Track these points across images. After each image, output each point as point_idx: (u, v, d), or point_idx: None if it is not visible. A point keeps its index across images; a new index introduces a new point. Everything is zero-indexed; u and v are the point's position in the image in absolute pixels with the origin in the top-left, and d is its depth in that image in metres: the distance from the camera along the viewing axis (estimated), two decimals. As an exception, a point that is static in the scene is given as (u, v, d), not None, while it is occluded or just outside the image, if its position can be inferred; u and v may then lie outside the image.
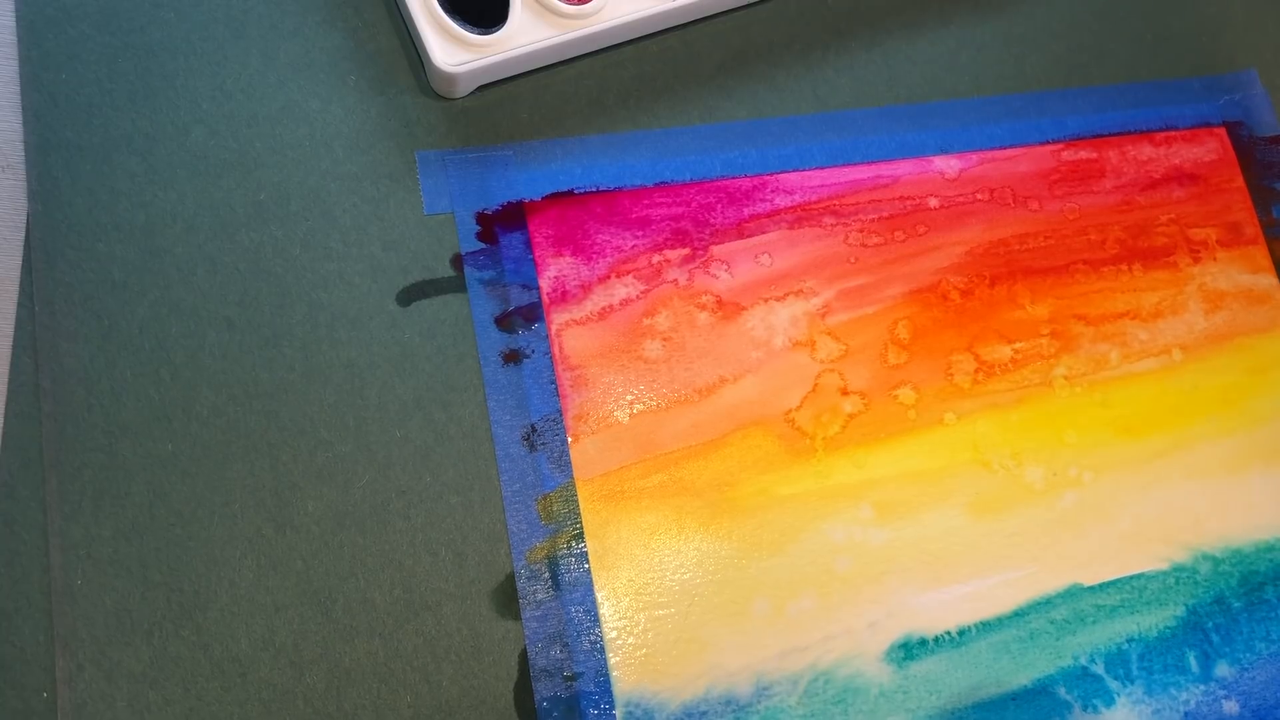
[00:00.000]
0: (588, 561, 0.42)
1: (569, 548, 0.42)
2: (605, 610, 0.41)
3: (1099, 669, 0.44)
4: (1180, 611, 0.45)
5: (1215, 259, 0.51)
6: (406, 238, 0.44)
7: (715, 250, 0.46)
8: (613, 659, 0.41)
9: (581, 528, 0.42)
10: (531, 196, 0.46)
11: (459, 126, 0.46)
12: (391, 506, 0.41)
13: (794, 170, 0.48)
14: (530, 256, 0.45)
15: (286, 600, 0.40)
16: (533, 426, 0.43)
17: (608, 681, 0.40)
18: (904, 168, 0.49)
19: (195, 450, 0.41)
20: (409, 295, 0.44)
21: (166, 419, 0.41)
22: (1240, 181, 0.52)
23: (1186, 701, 0.44)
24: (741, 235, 0.47)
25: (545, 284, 0.45)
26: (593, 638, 0.41)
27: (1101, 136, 0.52)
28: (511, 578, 0.41)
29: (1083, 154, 0.51)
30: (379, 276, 0.44)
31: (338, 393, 0.42)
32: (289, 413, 0.42)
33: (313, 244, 0.44)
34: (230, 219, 0.44)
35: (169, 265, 0.43)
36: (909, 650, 0.43)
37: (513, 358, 0.43)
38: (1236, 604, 0.46)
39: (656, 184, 0.47)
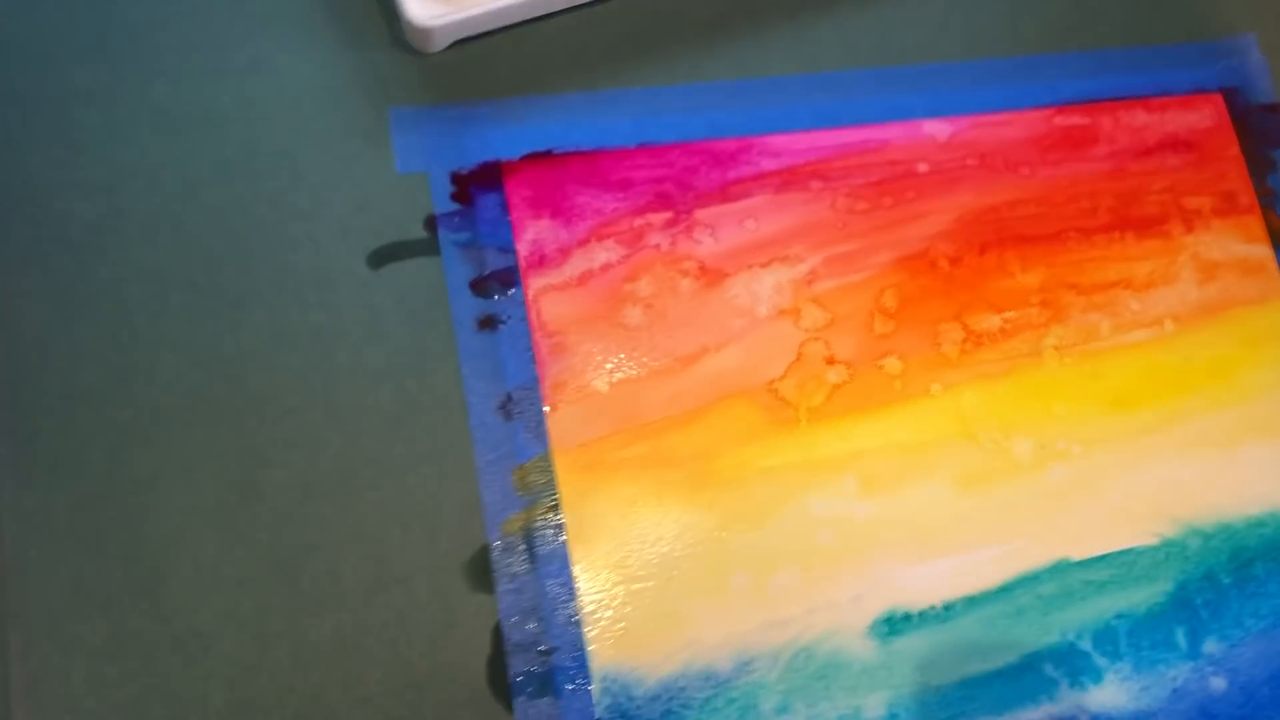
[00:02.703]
0: (564, 534, 0.40)
1: (545, 520, 0.40)
2: (582, 584, 0.40)
3: (1086, 645, 0.43)
4: (1169, 587, 0.44)
5: (1209, 228, 0.49)
6: (378, 198, 0.43)
7: (699, 214, 0.45)
8: (589, 633, 0.40)
9: (558, 499, 0.41)
10: (509, 156, 0.44)
11: (434, 82, 0.45)
12: (361, 476, 0.40)
13: (780, 132, 0.47)
14: (507, 218, 0.43)
15: (251, 573, 0.38)
16: (508, 395, 0.41)
17: (584, 656, 0.39)
18: (893, 131, 0.48)
19: (156, 417, 0.39)
20: (380, 257, 0.42)
21: (126, 384, 0.39)
22: (1236, 150, 0.51)
23: (1174, 679, 0.43)
24: (726, 199, 0.45)
25: (522, 247, 0.43)
26: (569, 612, 0.40)
27: (1095, 102, 0.50)
28: (485, 550, 0.40)
29: (1076, 120, 0.50)
30: (349, 238, 0.42)
31: (305, 358, 0.41)
32: (255, 378, 0.40)
33: (281, 204, 0.42)
34: (195, 177, 0.42)
35: (130, 224, 0.41)
36: (893, 625, 0.42)
37: (488, 324, 0.42)
38: (1226, 580, 0.45)
39: (639, 145, 0.45)
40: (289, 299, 0.41)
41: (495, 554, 0.40)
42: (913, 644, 0.42)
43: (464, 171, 0.44)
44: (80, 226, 0.41)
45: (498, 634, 0.39)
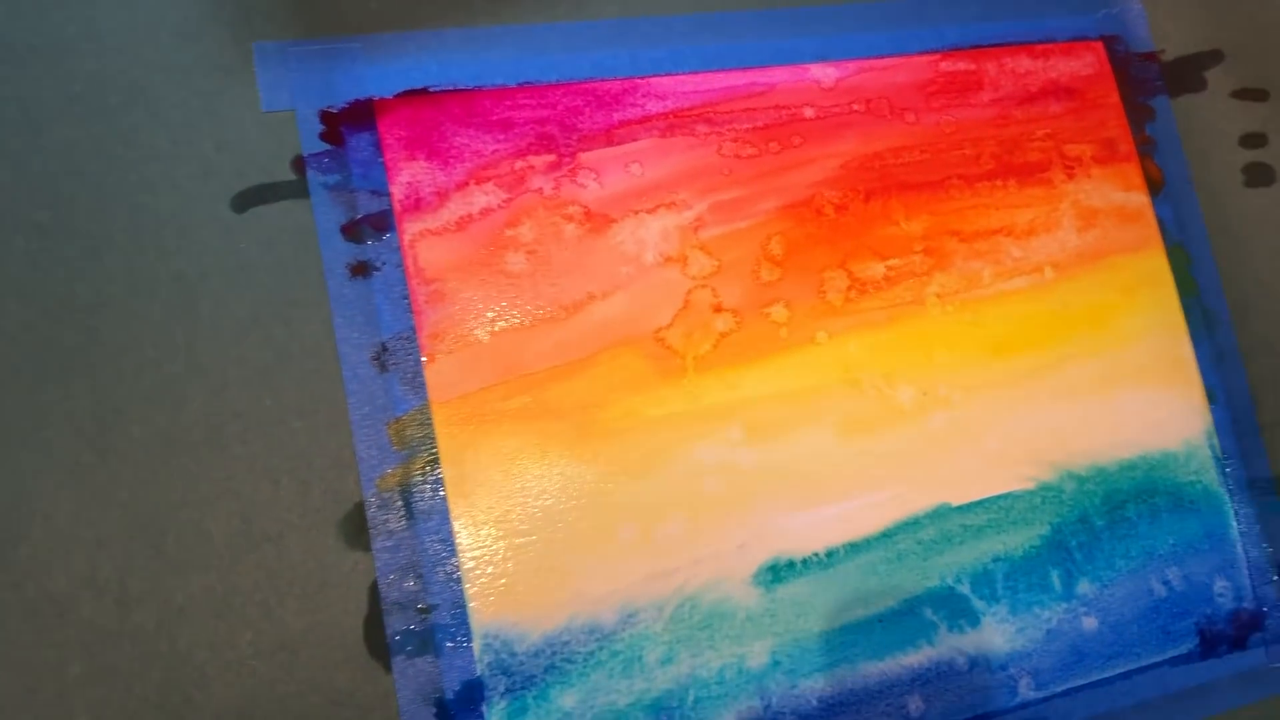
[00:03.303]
0: (444, 488, 0.39)
1: (423, 474, 0.39)
2: (462, 539, 0.39)
3: (965, 589, 0.44)
4: (1045, 530, 0.45)
5: (1089, 176, 0.50)
6: (242, 137, 0.40)
7: (583, 157, 0.44)
8: (470, 590, 0.39)
9: (437, 453, 0.39)
10: (382, 94, 0.42)
11: (301, 15, 0.42)
12: (227, 431, 0.38)
13: (667, 74, 0.45)
14: (380, 160, 0.41)
15: (110, 533, 0.36)
16: (383, 345, 0.40)
17: (464, 613, 0.38)
18: (780, 75, 0.47)
19: (3, 370, 0.37)
20: (245, 200, 0.40)
21: (-33, 335, 0.37)
22: (1115, 98, 0.51)
23: (1049, 620, 0.44)
24: (611, 142, 0.44)
25: (397, 190, 0.41)
26: (449, 568, 0.39)
27: (980, 47, 0.50)
28: (361, 507, 0.39)
29: (961, 65, 0.50)
30: (211, 179, 0.40)
31: (165, 307, 0.38)
32: (110, 329, 0.38)
33: (136, 142, 0.39)
34: (38, 112, 0.39)
35: (-33, 163, 0.38)
36: (777, 573, 0.42)
37: (361, 270, 0.40)
38: (1099, 522, 0.46)
39: (519, 84, 0.43)
40: (146, 244, 0.39)
41: (371, 510, 0.38)
42: (796, 591, 0.42)
43: (334, 110, 0.41)
44: (-88, 165, 0.38)
45: (374, 592, 0.38)
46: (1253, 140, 0.53)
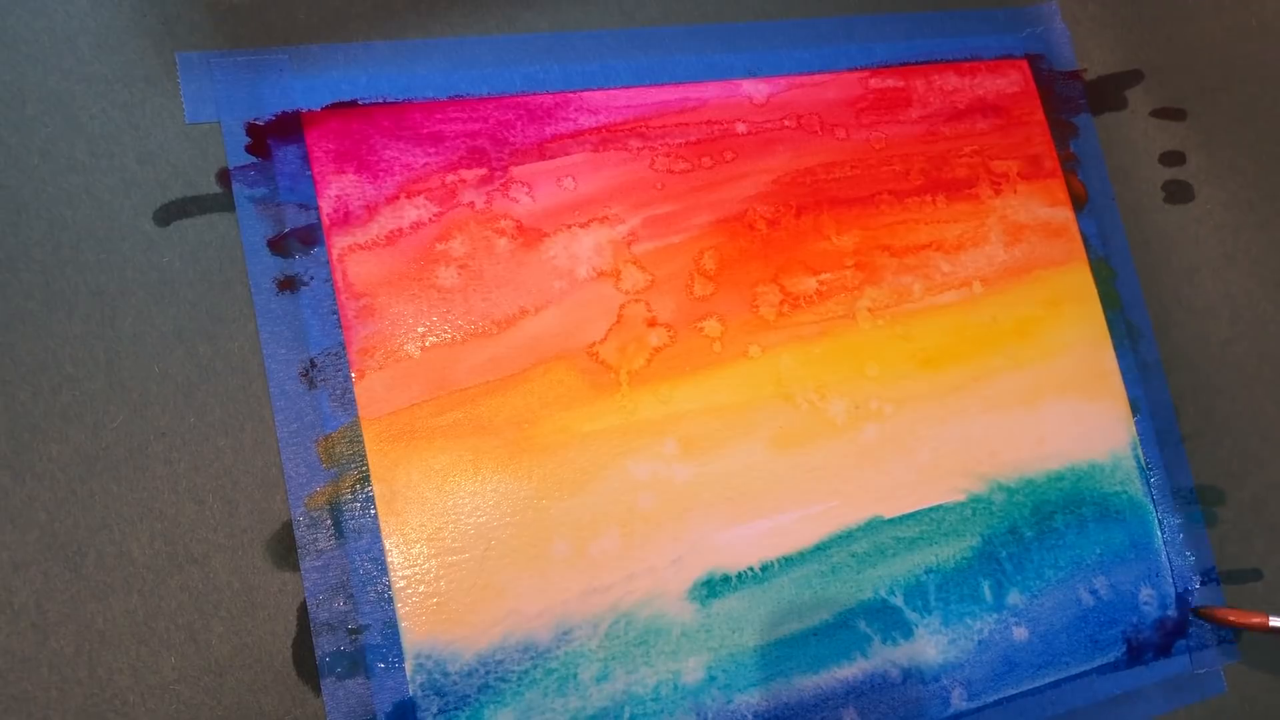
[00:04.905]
0: (374, 506, 0.39)
1: (354, 492, 0.39)
2: (394, 558, 0.38)
3: (898, 601, 0.44)
4: (976, 541, 0.46)
5: (1016, 191, 0.51)
6: (165, 149, 0.39)
7: (515, 171, 0.43)
8: (402, 609, 0.38)
9: (368, 470, 0.39)
10: (310, 106, 0.41)
11: (226, 25, 0.41)
12: (150, 450, 0.37)
13: (599, 89, 0.45)
14: (308, 173, 0.41)
15: (27, 556, 0.35)
16: (312, 361, 0.39)
17: (396, 633, 0.38)
18: (712, 90, 0.47)
19: (-89, 389, 0.36)
20: (168, 213, 0.39)
21: (-126, 353, 0.35)
22: (1040, 115, 0.52)
23: (980, 630, 0.45)
24: (543, 156, 0.44)
25: (325, 204, 0.41)
26: (380, 588, 0.38)
27: (909, 65, 0.51)
28: (289, 526, 0.38)
29: (890, 82, 0.50)
30: (133, 192, 0.39)
31: (85, 323, 0.37)
32: (27, 345, 0.37)
33: (54, 153, 0.38)
34: (-48, 122, 0.38)
35: (-125, 174, 0.37)
36: (712, 588, 0.42)
37: (289, 285, 0.40)
38: (1029, 533, 0.47)
39: (450, 97, 0.43)
40: (65, 258, 0.38)
41: (299, 530, 0.38)
42: (731, 606, 0.42)
43: (260, 122, 0.41)
44: None
45: (304, 613, 0.37)
46: (1172, 158, 0.54)
